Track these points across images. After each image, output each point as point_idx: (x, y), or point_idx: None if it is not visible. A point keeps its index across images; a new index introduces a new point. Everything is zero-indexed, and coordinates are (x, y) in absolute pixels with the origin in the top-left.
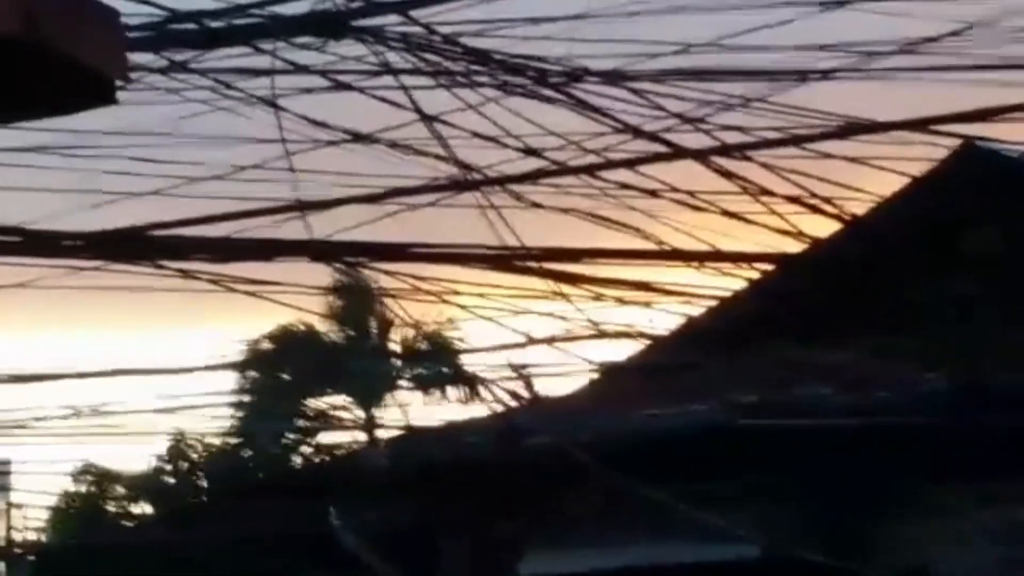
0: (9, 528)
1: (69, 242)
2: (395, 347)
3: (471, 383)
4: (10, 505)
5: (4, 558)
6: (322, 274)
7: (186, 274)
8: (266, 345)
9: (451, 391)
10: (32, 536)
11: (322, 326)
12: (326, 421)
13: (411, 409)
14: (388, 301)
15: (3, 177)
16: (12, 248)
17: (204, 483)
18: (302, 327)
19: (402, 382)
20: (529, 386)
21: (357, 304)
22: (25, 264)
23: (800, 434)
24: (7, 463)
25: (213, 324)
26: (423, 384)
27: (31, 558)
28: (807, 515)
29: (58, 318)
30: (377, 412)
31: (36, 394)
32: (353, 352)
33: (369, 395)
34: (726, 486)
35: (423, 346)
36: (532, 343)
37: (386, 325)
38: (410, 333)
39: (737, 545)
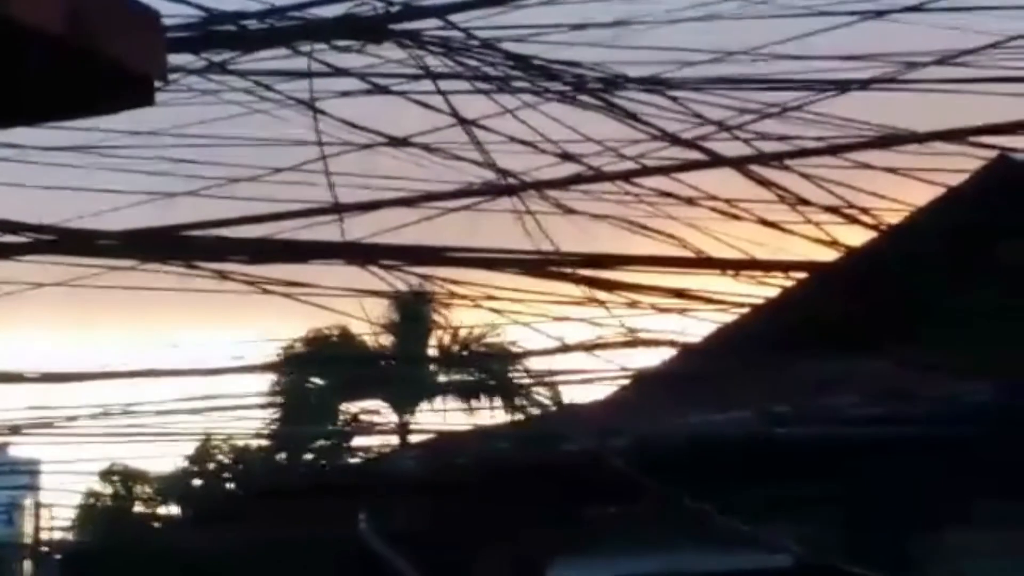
0: (37, 527)
1: (104, 241)
2: (432, 352)
3: (505, 388)
4: (38, 505)
5: (32, 556)
6: (357, 277)
7: (221, 275)
8: (299, 348)
9: (485, 396)
10: (59, 535)
11: (357, 329)
12: (359, 425)
13: (444, 413)
14: (429, 306)
15: (41, 176)
16: (48, 247)
17: (232, 485)
18: (336, 330)
19: (438, 387)
20: (561, 392)
21: (402, 310)
22: (60, 263)
23: (835, 444)
24: (36, 463)
25: (248, 325)
26: (458, 389)
27: (58, 557)
28: (842, 525)
29: (92, 317)
30: (411, 417)
31: (66, 394)
32: (390, 357)
33: (404, 399)
34: (760, 494)
35: (462, 351)
36: (566, 349)
37: (428, 330)
38: (447, 338)
39: (771, 554)
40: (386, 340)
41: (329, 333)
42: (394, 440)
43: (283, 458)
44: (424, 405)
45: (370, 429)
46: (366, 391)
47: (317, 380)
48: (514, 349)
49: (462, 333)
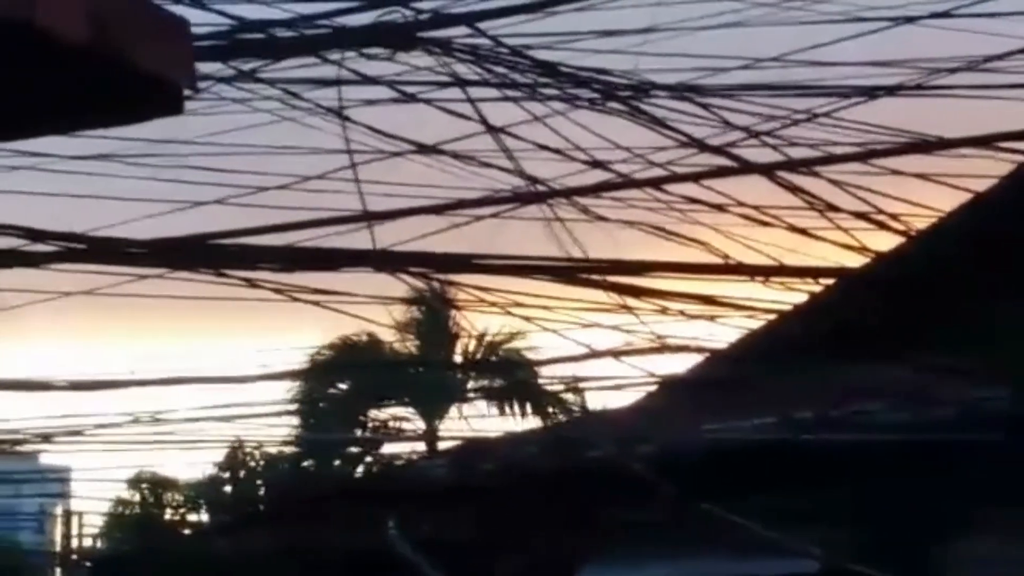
0: (68, 535)
1: (133, 250)
2: (459, 359)
3: (533, 395)
4: (69, 512)
5: (62, 564)
6: (386, 284)
7: (250, 283)
8: (327, 355)
9: (513, 403)
10: (89, 543)
11: (385, 336)
12: (387, 432)
13: (471, 420)
14: (454, 312)
15: (69, 185)
16: (77, 255)
17: (261, 492)
18: (364, 337)
19: (465, 394)
20: (588, 399)
21: (428, 316)
22: (90, 271)
23: (860, 450)
24: (66, 471)
25: (276, 333)
26: (487, 396)
27: (88, 564)
28: (866, 531)
29: (121, 326)
30: (438, 423)
31: (96, 402)
32: (417, 363)
33: (431, 406)
34: (785, 501)
35: (489, 358)
36: (595, 356)
37: (454, 336)
38: (474, 345)
39: (796, 560)
40: (413, 347)
41: (357, 340)
42: (421, 447)
43: (311, 465)
44: (451, 411)
45: (398, 436)
46: (393, 397)
47: (344, 387)
48: (539, 355)
49: (487, 339)
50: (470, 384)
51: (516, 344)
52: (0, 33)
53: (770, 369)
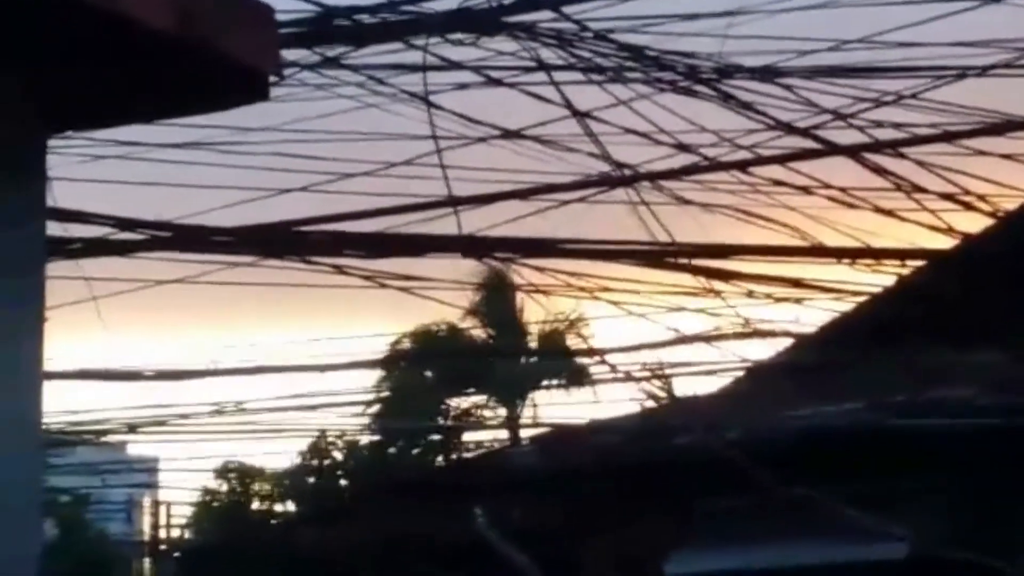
0: (156, 525)
1: (220, 238)
2: (538, 345)
3: (619, 380)
4: (156, 502)
5: (151, 554)
6: (471, 271)
7: (338, 269)
8: (407, 344)
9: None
10: (177, 533)
11: (464, 324)
12: (468, 420)
13: (555, 408)
14: (537, 297)
15: (156, 174)
16: (164, 244)
17: (346, 482)
18: (444, 326)
19: (547, 380)
20: (674, 384)
21: (501, 301)
22: (177, 260)
23: (950, 434)
24: (154, 461)
25: (361, 321)
26: (569, 382)
27: (176, 554)
28: (957, 516)
29: (207, 314)
30: (519, 411)
31: (182, 391)
32: (497, 351)
33: (512, 394)
34: (874, 486)
35: (569, 344)
36: (683, 341)
37: (527, 321)
38: (556, 330)
39: (885, 544)
40: (489, 334)
41: (437, 328)
42: (504, 435)
43: (393, 453)
44: (532, 399)
45: (480, 424)
46: (475, 385)
47: (426, 375)
48: (628, 341)
49: (558, 325)
50: (551, 370)
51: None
52: (88, 22)
53: (860, 353)
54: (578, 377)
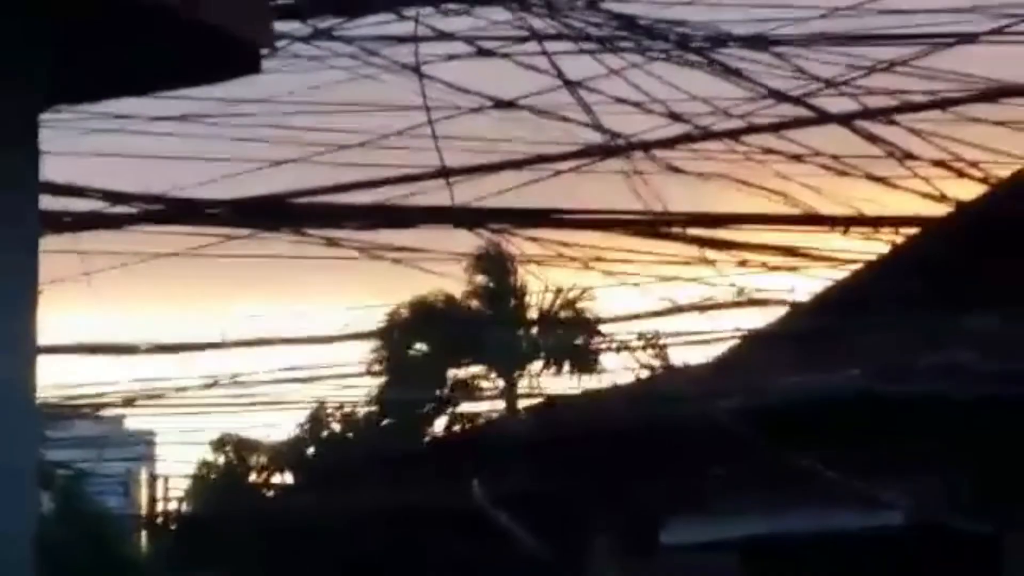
0: (152, 498)
1: (213, 210)
2: (535, 316)
3: (614, 350)
4: (153, 476)
5: (148, 527)
6: (466, 241)
7: (330, 241)
8: (404, 315)
9: (593, 359)
10: (174, 506)
11: (460, 295)
12: (465, 391)
13: (550, 378)
14: (530, 267)
15: (149, 146)
16: (157, 217)
17: (343, 453)
18: (440, 297)
19: (543, 351)
20: (669, 354)
21: (497, 272)
22: (170, 233)
23: (945, 401)
24: (150, 435)
25: (356, 293)
26: (564, 353)
27: (173, 527)
28: (953, 482)
29: (202, 288)
30: (516, 382)
31: (178, 365)
32: (493, 322)
33: (509, 365)
34: (870, 453)
35: (564, 314)
36: (677, 310)
37: (525, 293)
38: (550, 301)
39: (882, 512)
40: (485, 305)
41: (433, 299)
42: (500, 405)
43: (389, 423)
44: (529, 370)
45: (477, 394)
46: (472, 356)
47: (423, 347)
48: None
49: (558, 295)
50: (546, 342)
51: (588, 302)
52: None
53: (856, 320)
54: (578, 353)
